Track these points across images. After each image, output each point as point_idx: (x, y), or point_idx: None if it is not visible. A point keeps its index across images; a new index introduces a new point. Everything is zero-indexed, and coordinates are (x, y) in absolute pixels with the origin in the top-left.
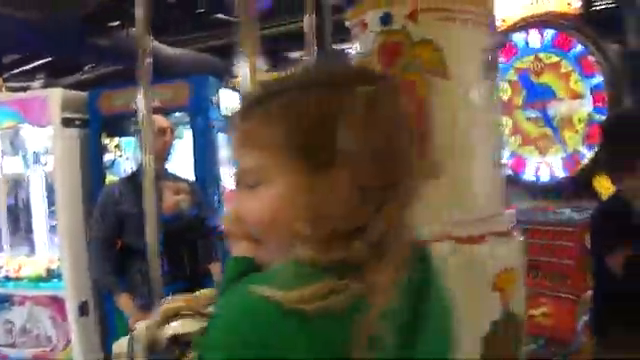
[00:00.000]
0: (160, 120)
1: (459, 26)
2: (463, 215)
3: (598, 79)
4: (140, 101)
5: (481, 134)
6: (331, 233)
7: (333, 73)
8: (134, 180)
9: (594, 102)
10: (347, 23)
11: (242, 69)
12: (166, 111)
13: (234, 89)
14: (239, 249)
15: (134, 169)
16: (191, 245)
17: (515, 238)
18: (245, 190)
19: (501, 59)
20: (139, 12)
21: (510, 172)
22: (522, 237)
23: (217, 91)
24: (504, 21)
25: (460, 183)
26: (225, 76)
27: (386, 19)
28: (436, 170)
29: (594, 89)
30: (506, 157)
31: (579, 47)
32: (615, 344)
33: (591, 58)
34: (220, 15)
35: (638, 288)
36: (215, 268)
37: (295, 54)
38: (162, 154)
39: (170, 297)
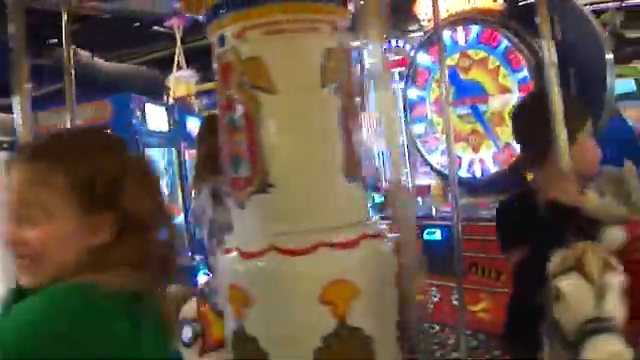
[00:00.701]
0: None
1: (287, 37)
2: (292, 227)
3: (524, 73)
4: (67, 120)
5: (318, 144)
6: (99, 258)
7: (112, 139)
8: None
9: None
10: None
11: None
12: None
13: (161, 104)
14: None
15: None
16: None
17: (360, 249)
18: (24, 221)
19: (431, 58)
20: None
21: (444, 170)
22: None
23: (143, 107)
24: (430, 20)
25: (290, 195)
26: (164, 88)
27: (221, 41)
28: (263, 185)
29: (521, 83)
30: (439, 155)
31: (505, 42)
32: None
33: (518, 53)
34: (157, 27)
35: (527, 295)
36: None
37: None
38: None
39: None
